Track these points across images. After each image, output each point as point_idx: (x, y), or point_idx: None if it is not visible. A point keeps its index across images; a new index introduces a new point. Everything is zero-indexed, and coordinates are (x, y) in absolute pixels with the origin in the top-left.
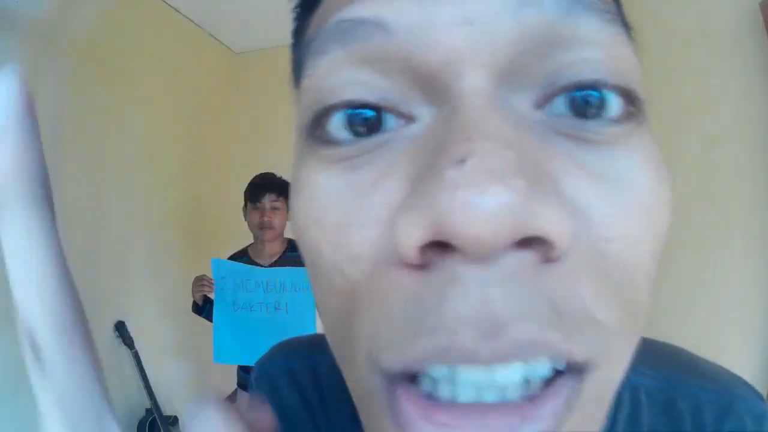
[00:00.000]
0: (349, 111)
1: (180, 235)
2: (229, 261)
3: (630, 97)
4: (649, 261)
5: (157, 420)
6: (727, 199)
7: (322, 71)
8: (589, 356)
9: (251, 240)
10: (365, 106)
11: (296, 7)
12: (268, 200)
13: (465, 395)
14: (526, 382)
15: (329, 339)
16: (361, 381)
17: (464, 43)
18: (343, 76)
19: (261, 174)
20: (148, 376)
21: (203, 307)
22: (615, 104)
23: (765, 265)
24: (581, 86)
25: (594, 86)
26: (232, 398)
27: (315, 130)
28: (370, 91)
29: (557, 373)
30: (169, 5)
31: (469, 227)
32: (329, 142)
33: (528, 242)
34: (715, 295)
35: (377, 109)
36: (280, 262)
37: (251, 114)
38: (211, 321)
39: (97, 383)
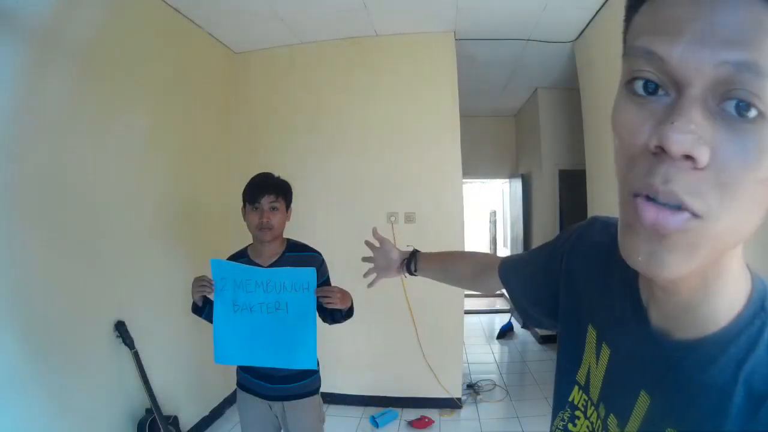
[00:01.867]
0: (644, 81)
1: (180, 235)
2: (229, 261)
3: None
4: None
5: (157, 420)
6: None
7: (631, 62)
8: (702, 211)
9: (251, 240)
10: (650, 80)
11: (626, 12)
12: (266, 201)
13: None
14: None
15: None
16: (624, 203)
17: (691, 69)
18: (641, 68)
19: (259, 174)
20: (148, 376)
21: (203, 308)
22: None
23: (765, 266)
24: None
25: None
26: (231, 399)
27: (629, 86)
28: (652, 75)
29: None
30: (169, 5)
31: (668, 145)
32: (634, 93)
33: (688, 158)
34: None
35: (655, 83)
36: (279, 262)
37: (251, 114)
38: (210, 322)
39: None
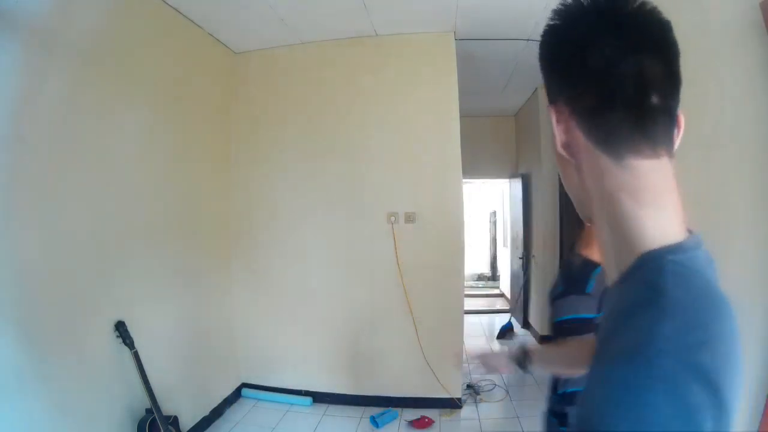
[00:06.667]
0: None
1: (180, 235)
2: None
3: None
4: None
5: (157, 420)
6: (727, 200)
7: None
8: None
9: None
10: None
11: None
12: None
13: None
14: None
15: None
16: None
17: None
18: None
19: None
20: (148, 376)
21: None
22: None
23: (766, 267)
24: None
25: None
26: (231, 399)
27: None
28: None
29: None
30: (169, 5)
31: None
32: None
33: None
34: None
35: None
36: None
37: (251, 114)
38: None
39: None
